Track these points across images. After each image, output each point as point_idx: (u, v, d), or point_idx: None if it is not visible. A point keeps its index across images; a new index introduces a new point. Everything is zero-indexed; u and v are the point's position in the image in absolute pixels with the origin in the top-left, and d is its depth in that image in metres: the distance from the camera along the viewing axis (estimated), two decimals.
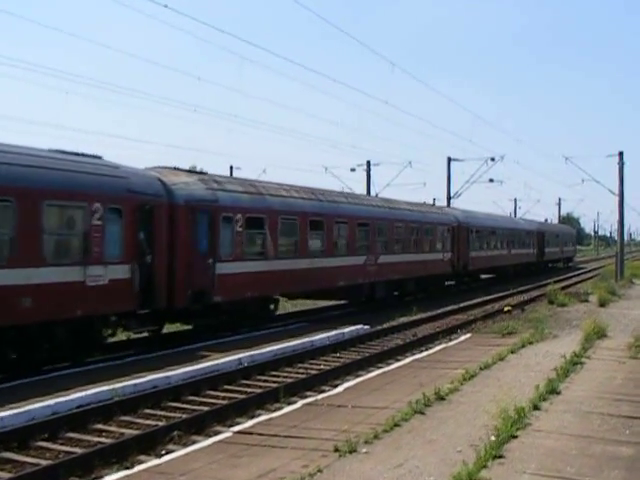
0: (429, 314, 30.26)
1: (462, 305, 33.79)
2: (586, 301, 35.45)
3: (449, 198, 57.08)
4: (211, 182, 22.27)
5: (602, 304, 33.06)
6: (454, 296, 38.52)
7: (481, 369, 16.19)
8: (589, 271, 70.95)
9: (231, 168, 65.45)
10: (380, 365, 18.84)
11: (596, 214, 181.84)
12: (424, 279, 37.26)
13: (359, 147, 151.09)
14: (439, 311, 31.53)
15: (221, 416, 12.82)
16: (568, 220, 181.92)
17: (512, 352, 18.80)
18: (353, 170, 57.79)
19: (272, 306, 26.37)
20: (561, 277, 56.78)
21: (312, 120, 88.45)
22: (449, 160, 57.41)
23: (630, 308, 32.46)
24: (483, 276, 51.08)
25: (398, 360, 19.28)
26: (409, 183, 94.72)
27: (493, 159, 55.01)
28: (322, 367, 18.81)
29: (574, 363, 16.53)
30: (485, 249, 46.07)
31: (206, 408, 13.50)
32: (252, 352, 19.10)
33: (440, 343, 22.55)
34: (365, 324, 25.92)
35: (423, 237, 37.02)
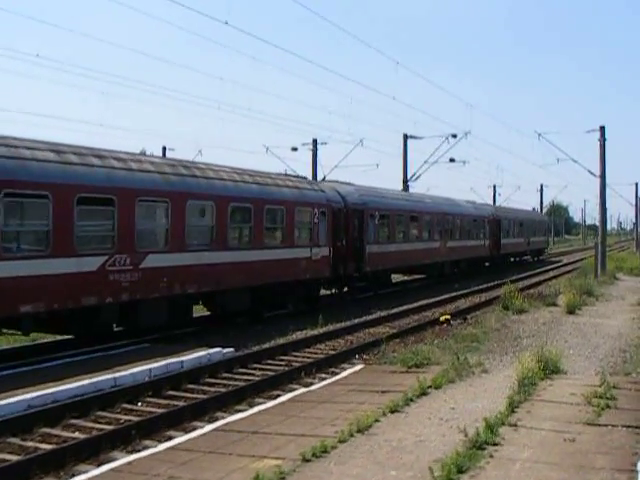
0: (329, 328, 22.58)
1: (383, 314, 25.95)
2: (553, 305, 27.90)
3: (405, 181, 49.41)
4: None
5: (570, 311, 25.57)
6: (365, 305, 30.45)
7: (303, 460, 8.58)
8: (569, 264, 63.15)
9: (164, 149, 57.70)
10: (215, 415, 12.40)
11: (583, 202, 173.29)
12: (276, 287, 25.12)
13: (304, 124, 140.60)
14: (350, 322, 23.80)
15: None
16: (557, 209, 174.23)
17: (392, 411, 11.32)
18: (295, 149, 50.00)
19: None
20: (529, 273, 49.26)
21: (250, 94, 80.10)
22: (405, 137, 49.70)
23: (606, 316, 24.95)
24: (412, 277, 42.42)
25: (238, 410, 12.49)
26: (360, 165, 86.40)
27: (455, 136, 47.39)
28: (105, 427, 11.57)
29: (474, 453, 8.88)
30: (399, 241, 35.54)
31: None
32: None
33: (308, 383, 15.09)
34: (230, 346, 18.23)
35: (265, 224, 24.21)
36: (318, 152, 51.31)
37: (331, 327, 22.85)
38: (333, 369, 16.70)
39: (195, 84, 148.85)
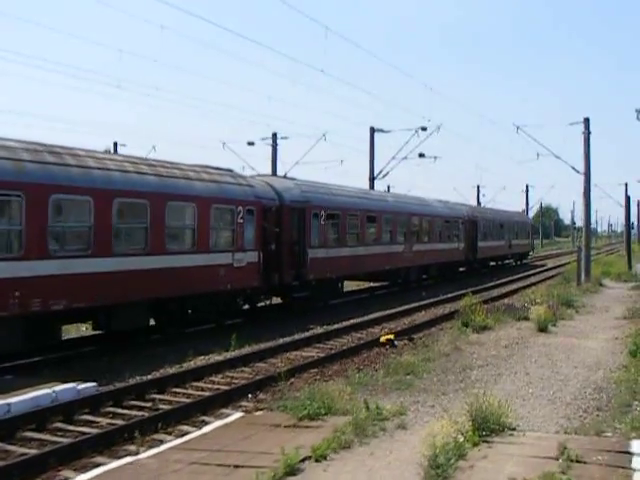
0: (241, 352, 18.24)
1: (318, 332, 21.64)
2: (525, 319, 23.52)
3: (372, 179, 45.02)
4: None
5: (542, 328, 21.16)
6: (303, 320, 26.07)
7: None
8: (553, 268, 58.74)
9: (115, 145, 53.29)
10: None
11: (572, 203, 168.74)
12: (186, 300, 20.98)
13: (265, 117, 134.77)
14: (273, 343, 19.50)
15: None
16: (546, 210, 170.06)
17: None
18: (251, 144, 45.69)
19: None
20: (507, 279, 44.80)
21: (206, 84, 75.54)
22: (372, 131, 45.29)
23: (584, 334, 20.70)
24: (371, 284, 37.80)
25: None
26: (323, 161, 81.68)
27: (424, 128, 43.00)
28: None
29: None
30: (352, 244, 30.41)
31: None
32: None
33: (152, 443, 10.77)
34: (94, 380, 13.88)
35: (167, 225, 19.66)
36: (278, 147, 46.92)
37: (244, 350, 18.41)
38: (205, 417, 12.26)
39: (147, 72, 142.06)
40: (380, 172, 44.80)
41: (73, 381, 13.53)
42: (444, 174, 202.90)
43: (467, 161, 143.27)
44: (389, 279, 36.16)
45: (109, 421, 12.16)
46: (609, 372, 15.15)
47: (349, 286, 38.08)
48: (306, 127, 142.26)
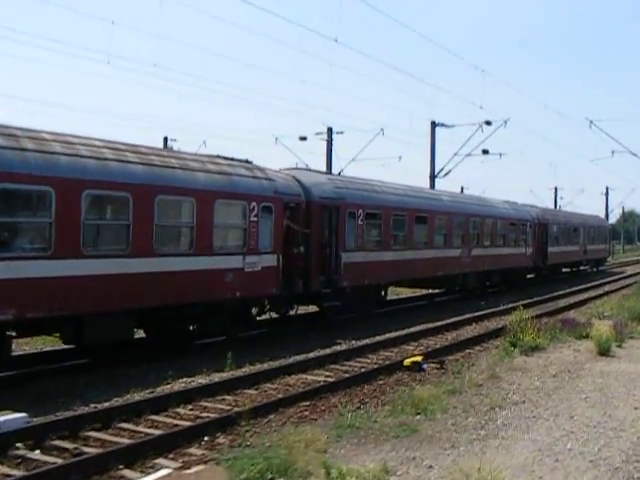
0: (234, 374, 15.30)
1: (339, 350, 18.78)
2: (587, 337, 19.90)
3: (433, 176, 41.66)
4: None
5: (603, 351, 17.56)
6: (329, 334, 23.09)
7: None
8: (632, 276, 54.14)
9: (165, 140, 51.14)
10: None
11: None
12: (183, 309, 18.31)
13: (320, 109, 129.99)
14: (280, 363, 16.59)
15: None
16: (630, 215, 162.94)
17: None
18: (303, 139, 42.84)
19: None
20: (579, 288, 40.78)
21: (258, 76, 72.43)
22: (433, 125, 41.93)
23: None
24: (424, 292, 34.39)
25: None
26: (381, 157, 77.91)
27: (489, 123, 39.44)
28: None
29: None
30: (396, 247, 27.33)
31: None
32: None
33: None
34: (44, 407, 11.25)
35: (156, 222, 16.75)
36: (334, 143, 43.97)
37: (239, 372, 15.48)
38: (128, 471, 9.31)
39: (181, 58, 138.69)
40: (441, 170, 41.32)
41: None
42: (518, 174, 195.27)
43: (539, 159, 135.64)
44: (444, 286, 32.78)
45: (7, 471, 9.32)
46: None
47: (402, 293, 34.98)
48: (364, 121, 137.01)
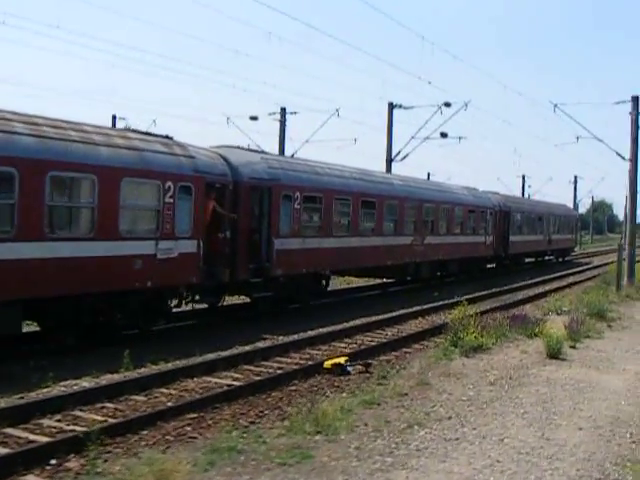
0: (129, 375, 13.11)
1: (261, 346, 16.84)
2: (537, 335, 17.99)
3: (389, 160, 39.61)
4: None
5: (553, 353, 15.61)
6: (255, 328, 21.19)
7: None
8: (598, 267, 52.47)
9: (114, 118, 48.62)
10: None
11: (625, 197, 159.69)
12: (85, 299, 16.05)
13: (274, 89, 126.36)
14: (183, 363, 14.46)
15: None
16: (600, 205, 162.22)
17: None
18: (254, 119, 40.59)
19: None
20: (541, 279, 39.07)
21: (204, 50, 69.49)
22: (391, 107, 39.87)
23: (611, 363, 15.50)
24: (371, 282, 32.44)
25: None
26: (335, 139, 75.59)
27: (448, 104, 37.40)
28: None
29: None
30: (339, 234, 25.04)
31: None
32: None
33: None
34: None
35: (44, 202, 14.06)
36: (287, 123, 41.84)
37: (134, 374, 13.40)
38: None
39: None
40: (398, 153, 39.28)
41: None
42: (485, 161, 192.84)
43: (504, 144, 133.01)
44: (395, 276, 30.78)
45: None
46: (628, 443, 9.70)
47: (355, 282, 33.02)
48: (320, 101, 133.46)
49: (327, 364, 14.23)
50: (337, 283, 33.76)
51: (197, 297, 19.83)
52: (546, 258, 55.59)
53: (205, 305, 21.23)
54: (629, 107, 35.18)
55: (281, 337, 18.33)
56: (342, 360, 14.40)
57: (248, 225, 20.47)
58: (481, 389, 12.69)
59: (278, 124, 42.27)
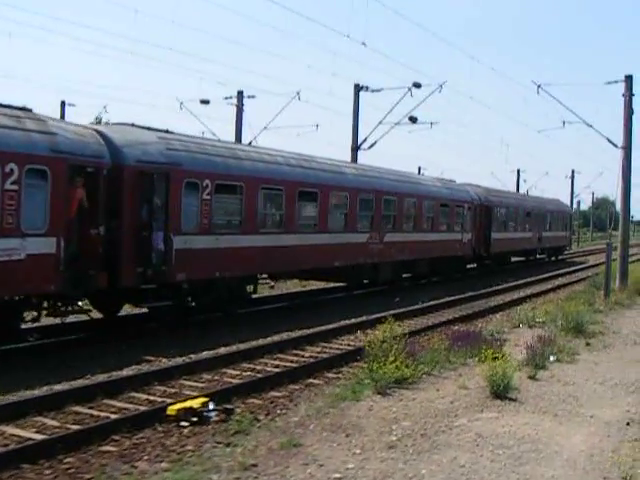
0: None
1: (125, 375, 12.88)
2: (494, 359, 13.75)
3: (355, 148, 35.46)
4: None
5: (498, 392, 11.39)
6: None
7: None
8: (593, 266, 47.97)
9: (62, 104, 44.61)
10: None
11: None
12: None
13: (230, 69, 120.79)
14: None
15: None
16: (602, 202, 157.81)
17: None
18: (205, 102, 36.50)
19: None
20: (520, 282, 34.91)
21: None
22: (357, 89, 35.71)
23: (577, 405, 11.59)
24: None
25: None
26: (297, 125, 71.21)
27: (418, 85, 33.27)
28: None
29: None
30: (266, 229, 21.13)
31: None
32: None
33: None
34: None
35: None
36: (245, 108, 37.80)
37: None
38: None
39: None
40: (364, 140, 35.12)
41: None
42: (476, 155, 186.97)
43: (487, 132, 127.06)
44: (348, 279, 26.60)
45: None
46: None
47: (309, 285, 29.03)
48: (281, 83, 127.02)
49: (172, 410, 10.10)
50: (290, 286, 29.80)
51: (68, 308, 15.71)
52: (538, 257, 51.42)
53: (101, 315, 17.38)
54: (622, 88, 30.86)
55: (164, 359, 14.30)
56: (197, 403, 10.25)
57: (135, 219, 16.41)
58: (370, 457, 8.56)
59: (235, 109, 38.13)
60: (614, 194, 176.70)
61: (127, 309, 19.35)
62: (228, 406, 10.53)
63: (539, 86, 31.37)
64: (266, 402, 11.66)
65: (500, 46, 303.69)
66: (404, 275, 30.57)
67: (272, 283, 28.95)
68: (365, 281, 27.29)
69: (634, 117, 30.71)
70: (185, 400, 10.58)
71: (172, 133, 18.27)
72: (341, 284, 27.33)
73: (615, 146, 30.92)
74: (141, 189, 16.53)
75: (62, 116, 44.07)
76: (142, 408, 10.73)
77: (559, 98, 33.59)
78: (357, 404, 11.02)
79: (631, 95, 30.52)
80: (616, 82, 31.15)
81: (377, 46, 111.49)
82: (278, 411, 10.87)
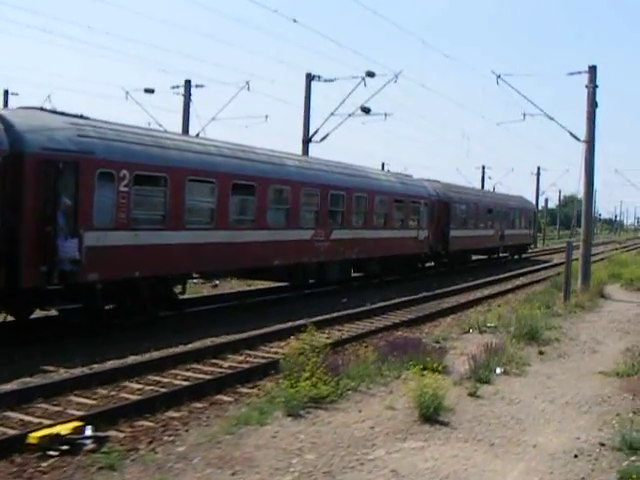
0: None
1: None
2: (434, 371, 12.12)
3: (307, 140, 33.76)
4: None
5: (427, 414, 9.78)
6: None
7: None
8: (558, 265, 46.68)
9: (6, 93, 42.54)
10: None
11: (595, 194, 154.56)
12: None
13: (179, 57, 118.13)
14: None
15: None
16: (570, 200, 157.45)
17: None
18: (150, 92, 34.65)
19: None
20: (479, 282, 33.42)
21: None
22: (309, 79, 34.02)
23: (518, 431, 9.60)
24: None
25: None
26: (246, 117, 69.37)
27: (372, 74, 31.63)
28: None
29: None
30: (195, 226, 19.37)
31: None
32: None
33: None
34: None
35: None
36: (192, 98, 35.99)
37: None
38: None
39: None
40: (316, 132, 33.44)
41: None
42: (440, 151, 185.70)
43: (447, 123, 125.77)
44: (291, 279, 24.89)
45: None
46: None
47: (254, 285, 27.33)
48: (231, 72, 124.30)
49: (34, 437, 8.34)
50: (235, 285, 28.08)
51: None
52: (500, 255, 50.05)
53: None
54: (585, 79, 29.42)
55: (70, 370, 12.58)
56: (66, 429, 8.52)
57: (38, 212, 14.57)
58: None
59: (182, 99, 36.32)
60: (582, 192, 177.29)
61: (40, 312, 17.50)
62: (100, 434, 8.76)
63: (499, 76, 29.91)
64: (158, 425, 9.94)
65: (469, 38, 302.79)
66: (354, 275, 28.87)
67: (216, 282, 27.30)
68: (311, 281, 25.55)
69: (597, 110, 29.28)
70: (54, 425, 8.82)
71: (87, 119, 16.45)
72: (286, 284, 25.56)
73: (578, 140, 29.47)
74: (45, 179, 14.74)
75: (5, 104, 42.05)
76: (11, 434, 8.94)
77: (520, 90, 32.09)
78: (260, 429, 9.34)
79: (595, 87, 29.14)
80: (579, 73, 29.72)
81: (328, 33, 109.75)
82: (165, 437, 9.14)
